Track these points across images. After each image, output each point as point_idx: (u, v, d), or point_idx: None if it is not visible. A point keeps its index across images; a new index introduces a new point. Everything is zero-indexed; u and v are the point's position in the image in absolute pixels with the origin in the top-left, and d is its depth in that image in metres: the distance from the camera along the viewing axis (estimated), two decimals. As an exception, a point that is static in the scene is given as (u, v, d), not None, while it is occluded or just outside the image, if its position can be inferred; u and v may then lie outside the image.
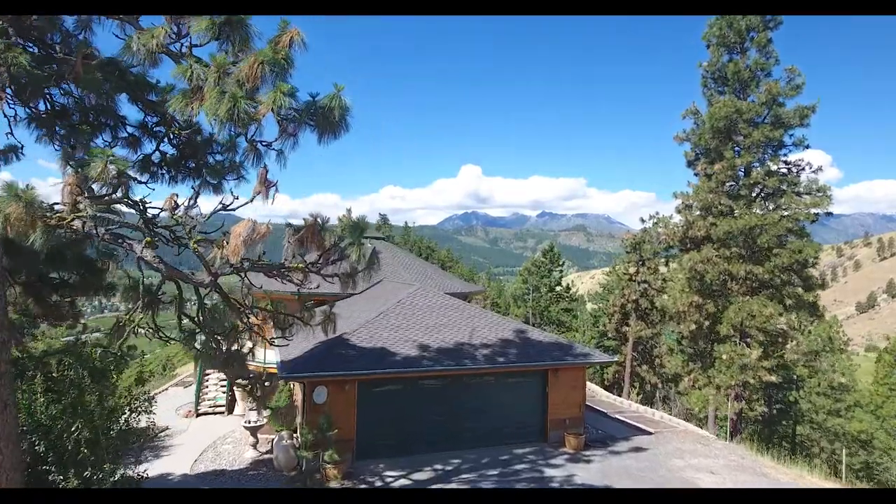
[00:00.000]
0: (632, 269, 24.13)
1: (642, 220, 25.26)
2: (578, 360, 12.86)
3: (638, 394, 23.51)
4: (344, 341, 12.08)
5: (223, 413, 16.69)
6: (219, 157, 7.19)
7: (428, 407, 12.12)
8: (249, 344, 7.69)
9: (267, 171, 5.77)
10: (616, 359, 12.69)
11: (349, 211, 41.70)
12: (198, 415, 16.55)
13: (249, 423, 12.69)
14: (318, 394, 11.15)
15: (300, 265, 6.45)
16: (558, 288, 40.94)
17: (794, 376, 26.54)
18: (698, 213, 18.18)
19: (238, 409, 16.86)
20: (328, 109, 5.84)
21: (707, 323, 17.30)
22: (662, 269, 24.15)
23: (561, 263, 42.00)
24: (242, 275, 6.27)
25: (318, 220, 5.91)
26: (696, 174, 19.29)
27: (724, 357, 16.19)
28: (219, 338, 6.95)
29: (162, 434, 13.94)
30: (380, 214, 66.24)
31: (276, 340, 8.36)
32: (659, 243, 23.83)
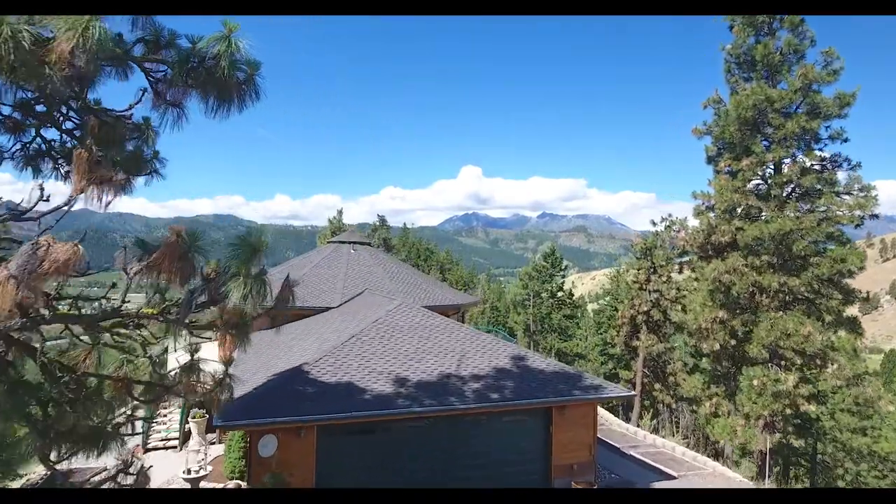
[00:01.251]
0: (642, 277, 21.94)
1: (653, 223, 23.12)
2: (588, 395, 10.65)
3: (651, 417, 21.31)
4: (303, 374, 9.89)
5: (175, 448, 14.48)
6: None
7: (405, 455, 9.91)
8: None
9: (90, 156, 3.56)
10: (634, 393, 10.65)
11: (339, 213, 39.62)
12: (146, 450, 14.34)
13: (190, 473, 10.47)
14: (265, 444, 8.94)
15: (153, 309, 4.24)
16: (560, 294, 38.77)
17: (816, 391, 24.38)
18: (721, 215, 15.99)
19: (193, 442, 14.66)
20: (215, 62, 3.69)
21: (733, 342, 15.12)
22: (675, 275, 21.95)
23: (563, 268, 39.82)
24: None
25: (182, 236, 3.68)
26: (717, 171, 17.13)
27: (754, 383, 13.99)
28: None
29: (94, 478, 11.74)
30: (378, 216, 64.39)
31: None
32: (673, 249, 21.63)
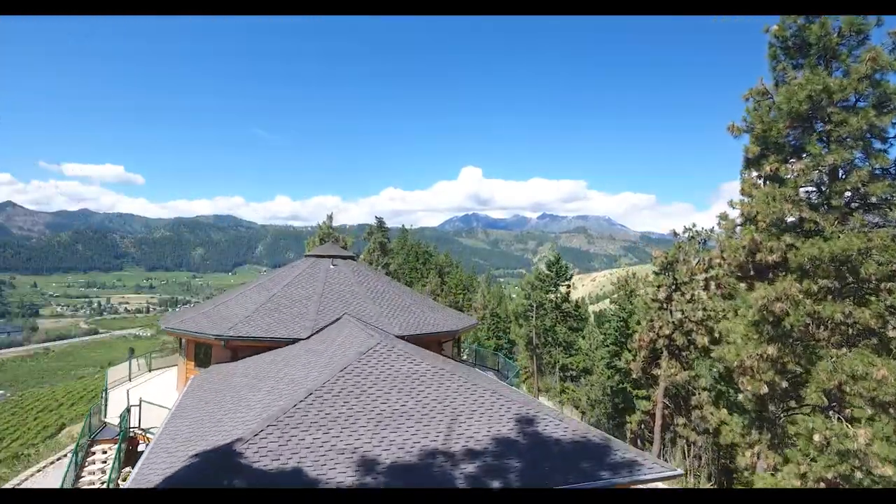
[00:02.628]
0: (662, 295, 19.34)
1: (675, 234, 20.53)
2: (620, 477, 8.02)
3: (680, 451, 18.68)
4: (236, 457, 7.24)
5: None
6: None
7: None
8: None
9: None
10: (679, 472, 8.20)
11: (330, 218, 37.05)
12: None
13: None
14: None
15: None
16: (565, 305, 36.18)
17: None
18: (766, 229, 13.36)
19: None
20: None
21: (785, 384, 12.51)
22: (700, 292, 19.34)
23: (568, 277, 37.21)
24: None
25: None
26: (760, 177, 14.52)
27: (815, 438, 11.37)
28: None
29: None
30: (375, 218, 61.98)
31: None
32: (699, 263, 19.02)
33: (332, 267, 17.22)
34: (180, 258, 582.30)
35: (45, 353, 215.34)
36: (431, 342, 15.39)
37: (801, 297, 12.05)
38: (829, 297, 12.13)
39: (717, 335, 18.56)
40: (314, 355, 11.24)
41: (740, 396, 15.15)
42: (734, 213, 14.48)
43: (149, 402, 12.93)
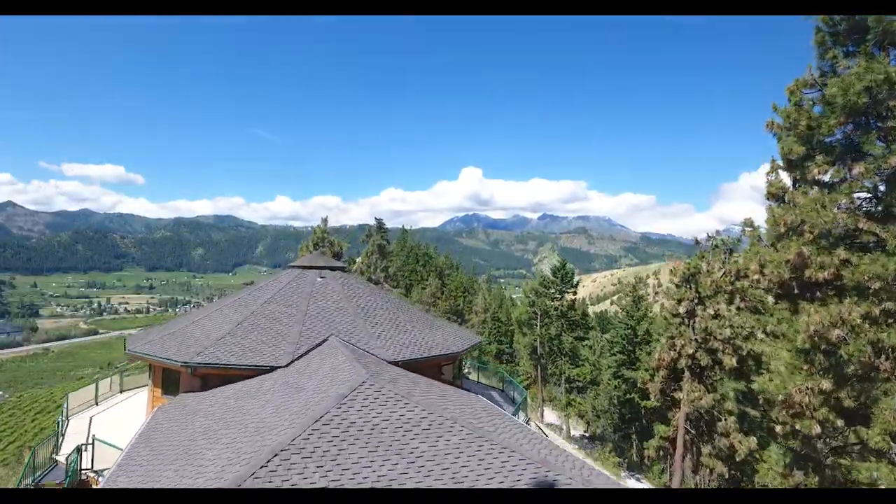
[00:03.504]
0: (683, 309, 17.59)
1: (697, 242, 18.78)
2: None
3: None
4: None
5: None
6: None
7: None
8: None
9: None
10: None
11: (325, 221, 35.35)
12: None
13: None
14: None
15: None
16: (571, 313, 34.42)
17: None
18: (814, 241, 11.60)
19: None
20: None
21: (840, 422, 10.79)
22: (725, 307, 17.58)
23: (574, 283, 35.43)
24: None
25: None
26: (803, 181, 12.79)
27: (880, 486, 9.64)
28: None
29: None
30: (375, 219, 60.49)
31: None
32: (725, 275, 17.27)
33: (318, 280, 15.48)
34: (180, 258, 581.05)
35: (44, 354, 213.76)
36: (430, 367, 13.67)
37: (861, 322, 10.31)
38: (894, 322, 10.40)
39: (744, 354, 16.83)
40: (290, 393, 9.49)
41: (777, 428, 13.44)
42: (777, 223, 12.69)
43: (102, 441, 11.20)
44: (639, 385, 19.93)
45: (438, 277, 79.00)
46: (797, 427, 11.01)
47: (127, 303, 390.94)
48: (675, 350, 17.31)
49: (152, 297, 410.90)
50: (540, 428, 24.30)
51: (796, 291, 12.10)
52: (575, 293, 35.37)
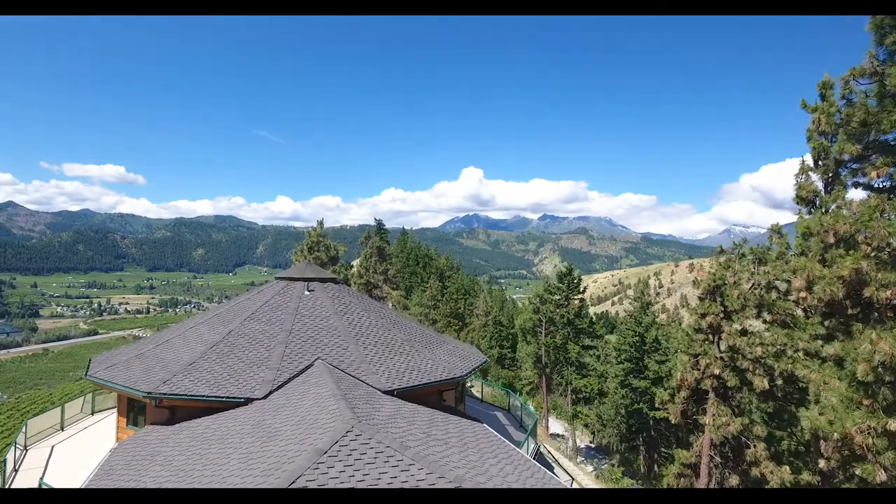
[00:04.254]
0: (704, 322, 16.01)
1: (722, 250, 17.21)
2: None
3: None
4: None
5: None
6: None
7: None
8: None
9: None
10: None
11: (320, 224, 33.83)
12: None
13: None
14: None
15: None
16: (578, 321, 32.84)
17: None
18: (872, 255, 10.03)
19: None
20: None
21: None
22: (753, 322, 16.01)
23: (582, 290, 33.84)
24: None
25: None
26: (837, 183, 11.27)
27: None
28: None
29: None
30: (375, 220, 59.19)
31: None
32: (754, 287, 15.69)
33: (306, 294, 13.95)
34: (181, 258, 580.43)
35: (43, 354, 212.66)
36: (430, 394, 12.13)
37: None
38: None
39: (776, 374, 15.27)
40: (262, 439, 7.92)
41: (822, 463, 11.88)
42: (827, 232, 11.12)
43: (49, 489, 9.65)
44: (657, 405, 18.34)
45: (439, 279, 77.50)
46: (857, 471, 9.47)
47: (127, 303, 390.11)
48: (698, 369, 15.75)
49: (153, 298, 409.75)
50: (549, 452, 22.73)
51: (850, 312, 10.56)
52: (582, 300, 33.79)
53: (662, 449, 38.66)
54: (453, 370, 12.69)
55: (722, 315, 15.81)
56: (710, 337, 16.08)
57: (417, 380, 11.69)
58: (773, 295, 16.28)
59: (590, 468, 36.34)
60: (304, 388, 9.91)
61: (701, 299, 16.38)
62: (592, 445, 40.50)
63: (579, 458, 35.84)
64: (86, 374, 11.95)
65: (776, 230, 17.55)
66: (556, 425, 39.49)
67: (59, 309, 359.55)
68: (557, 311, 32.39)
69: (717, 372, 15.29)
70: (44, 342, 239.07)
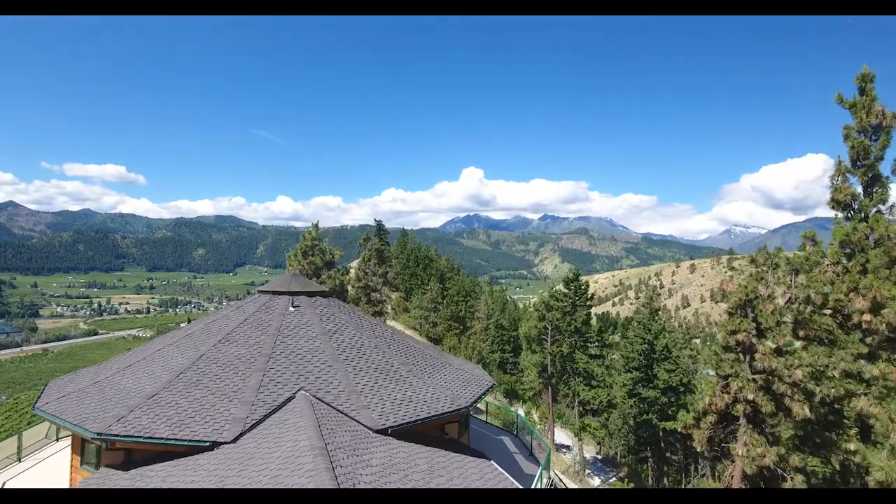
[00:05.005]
0: (733, 340, 14.44)
1: (754, 262, 15.62)
2: None
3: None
4: None
5: None
6: None
7: None
8: None
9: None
10: None
11: (315, 227, 32.29)
12: None
13: None
14: None
15: None
16: (586, 330, 31.25)
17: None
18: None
19: None
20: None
21: None
22: (788, 339, 14.42)
23: (590, 297, 32.24)
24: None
25: None
26: (878, 185, 9.69)
27: None
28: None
29: None
30: (375, 220, 57.82)
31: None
32: (792, 301, 14.11)
33: (290, 310, 12.38)
34: (181, 258, 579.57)
35: (43, 354, 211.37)
36: (430, 428, 10.55)
37: None
38: None
39: (817, 400, 13.70)
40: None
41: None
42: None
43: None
44: (680, 429, 16.76)
45: (439, 281, 75.90)
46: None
47: (127, 303, 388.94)
48: (728, 393, 14.16)
49: (153, 298, 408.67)
50: (560, 479, 21.10)
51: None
52: (590, 306, 32.18)
53: (672, 459, 37.10)
54: (457, 399, 11.11)
55: (755, 333, 14.21)
56: (742, 356, 14.48)
57: (415, 413, 10.11)
58: (808, 309, 14.72)
59: (597, 481, 34.75)
60: (281, 430, 8.33)
61: (730, 314, 14.77)
62: (599, 457, 38.93)
63: (587, 471, 34.24)
64: (34, 407, 10.37)
65: (810, 237, 15.95)
66: (561, 434, 37.95)
67: (59, 309, 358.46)
68: (564, 318, 30.82)
69: (750, 397, 13.68)
70: (43, 342, 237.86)
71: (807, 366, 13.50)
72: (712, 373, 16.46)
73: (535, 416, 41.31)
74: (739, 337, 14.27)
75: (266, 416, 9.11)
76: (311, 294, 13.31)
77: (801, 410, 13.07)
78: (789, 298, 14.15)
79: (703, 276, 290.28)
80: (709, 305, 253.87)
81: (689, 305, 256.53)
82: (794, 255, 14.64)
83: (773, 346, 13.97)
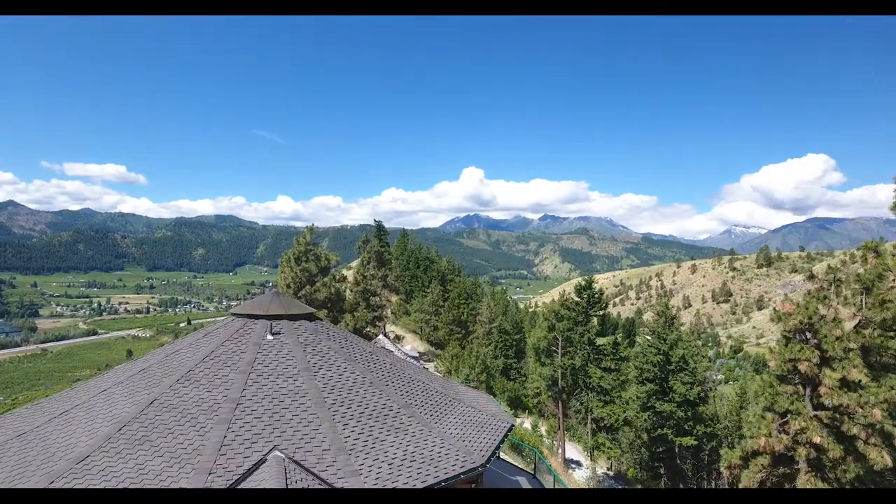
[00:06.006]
0: (789, 367, 12.30)
1: (811, 276, 13.45)
2: None
3: None
4: None
5: None
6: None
7: None
8: None
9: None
10: None
11: (310, 230, 30.12)
12: None
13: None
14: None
15: None
16: (601, 341, 29.10)
17: None
18: None
19: None
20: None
21: None
22: (859, 369, 12.26)
23: (604, 307, 30.09)
24: None
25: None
26: None
27: None
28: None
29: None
30: (375, 221, 55.84)
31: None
32: (864, 324, 11.94)
33: (268, 338, 10.23)
34: (181, 258, 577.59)
35: (42, 355, 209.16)
36: None
37: None
38: None
39: None
40: None
41: None
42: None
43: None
44: (723, 467, 14.68)
45: (440, 283, 73.72)
46: None
47: (127, 303, 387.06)
48: (787, 433, 12.02)
49: (153, 297, 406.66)
50: None
51: None
52: (604, 317, 30.02)
53: (688, 475, 35.09)
54: (470, 453, 8.95)
55: (818, 362, 12.04)
56: (801, 389, 12.33)
57: (419, 476, 7.97)
58: (877, 333, 12.56)
59: None
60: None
61: (787, 339, 12.59)
62: (610, 473, 36.83)
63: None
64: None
65: (872, 247, 13.78)
66: (571, 449, 35.85)
67: (58, 308, 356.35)
68: (576, 329, 28.68)
69: (816, 440, 11.51)
70: (42, 342, 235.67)
71: (882, 402, 11.35)
72: (756, 405, 14.36)
73: (543, 430, 39.14)
74: (800, 367, 12.10)
75: (235, 484, 6.96)
76: (294, 318, 11.15)
77: (880, 458, 10.90)
78: (859, 322, 11.99)
79: (704, 277, 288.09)
80: (710, 306, 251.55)
81: (690, 306, 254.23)
82: (863, 270, 12.47)
83: (839, 375, 11.81)
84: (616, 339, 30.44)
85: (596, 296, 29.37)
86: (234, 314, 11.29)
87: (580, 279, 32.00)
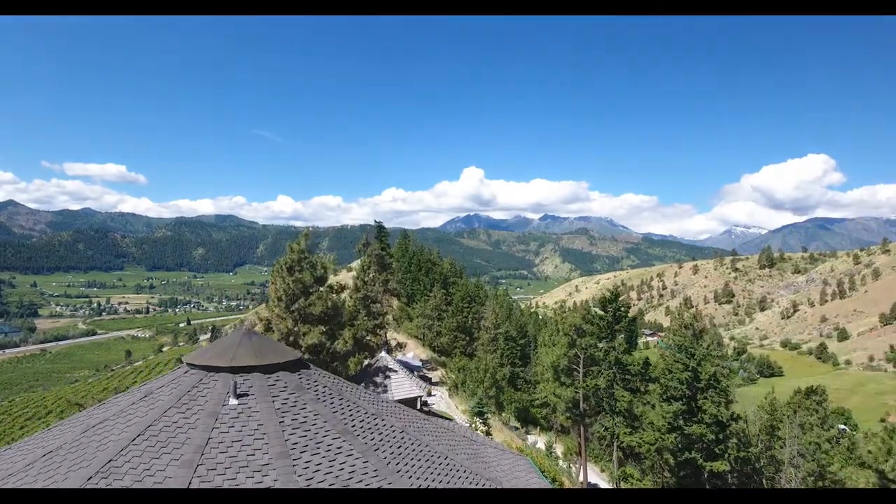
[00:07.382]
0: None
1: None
2: None
3: None
4: None
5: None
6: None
7: None
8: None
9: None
10: None
11: (305, 236, 26.95)
12: None
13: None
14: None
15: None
16: (628, 361, 26.08)
17: None
18: None
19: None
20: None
21: None
22: None
23: (631, 321, 27.06)
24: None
25: None
26: None
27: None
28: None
29: None
30: (375, 222, 53.39)
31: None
32: None
33: (232, 404, 7.23)
34: (181, 258, 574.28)
35: (41, 355, 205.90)
36: None
37: None
38: None
39: None
40: None
41: None
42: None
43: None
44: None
45: (443, 286, 70.74)
46: None
47: (127, 302, 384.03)
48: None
49: (152, 297, 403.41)
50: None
51: None
52: (632, 331, 27.02)
53: None
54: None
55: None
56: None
57: None
58: None
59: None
60: None
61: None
62: (633, 499, 33.85)
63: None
64: None
65: None
66: (591, 473, 32.92)
67: (58, 308, 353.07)
68: (600, 346, 25.69)
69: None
70: (42, 342, 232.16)
71: None
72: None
73: (559, 450, 36.17)
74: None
75: None
76: (270, 369, 8.11)
77: None
78: None
79: (706, 278, 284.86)
80: (712, 307, 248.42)
81: (692, 307, 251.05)
82: None
83: None
84: (647, 358, 27.39)
85: (622, 309, 26.37)
86: (189, 364, 8.26)
87: (606, 292, 28.91)
